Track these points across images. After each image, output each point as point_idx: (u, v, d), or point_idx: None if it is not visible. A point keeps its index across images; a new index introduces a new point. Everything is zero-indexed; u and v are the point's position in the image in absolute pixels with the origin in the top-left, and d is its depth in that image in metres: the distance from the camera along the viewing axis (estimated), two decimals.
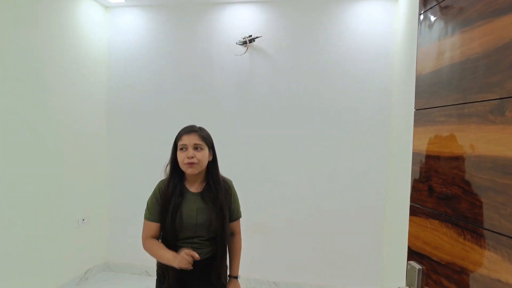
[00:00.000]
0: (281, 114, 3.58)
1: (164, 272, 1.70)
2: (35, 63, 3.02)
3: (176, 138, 1.76)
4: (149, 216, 1.75)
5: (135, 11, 3.82)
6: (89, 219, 3.72)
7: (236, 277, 1.89)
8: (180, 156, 1.70)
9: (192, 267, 1.57)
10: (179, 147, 1.72)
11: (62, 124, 3.34)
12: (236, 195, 1.89)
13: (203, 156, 1.71)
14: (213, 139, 1.84)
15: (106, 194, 3.98)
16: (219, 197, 1.73)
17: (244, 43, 3.55)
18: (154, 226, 1.73)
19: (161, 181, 1.79)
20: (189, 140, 1.70)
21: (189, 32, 3.73)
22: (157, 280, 1.78)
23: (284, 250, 3.58)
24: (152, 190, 1.79)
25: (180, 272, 1.63)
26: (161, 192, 1.74)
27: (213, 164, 1.80)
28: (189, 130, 1.74)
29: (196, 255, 1.56)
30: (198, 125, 1.82)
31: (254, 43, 3.58)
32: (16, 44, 2.82)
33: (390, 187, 3.30)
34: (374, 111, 3.41)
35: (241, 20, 3.63)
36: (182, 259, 1.55)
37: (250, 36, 3.54)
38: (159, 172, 4.24)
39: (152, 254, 1.69)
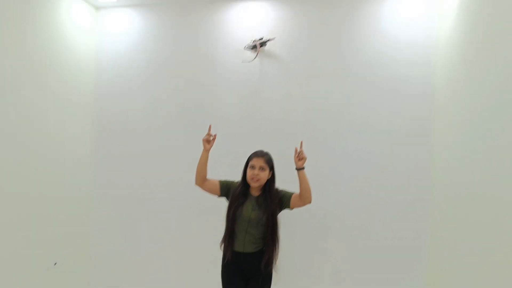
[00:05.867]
0: (296, 129, 3.00)
1: (225, 253, 2.37)
2: (8, 67, 2.48)
3: (248, 158, 2.38)
4: (222, 180, 2.45)
5: (128, 11, 3.32)
6: (63, 263, 3.05)
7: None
8: (249, 172, 2.32)
9: (211, 138, 2.40)
10: (249, 165, 2.34)
11: (37, 142, 2.76)
12: (284, 190, 2.42)
13: (265, 175, 2.33)
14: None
15: (86, 229, 3.36)
16: (271, 206, 2.31)
17: (254, 47, 3.02)
18: (216, 183, 2.43)
19: (236, 182, 2.44)
20: (257, 162, 2.32)
21: (189, 35, 3.21)
22: (222, 259, 2.40)
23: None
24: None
25: (236, 254, 2.33)
26: (234, 187, 2.41)
27: (271, 180, 2.39)
28: (259, 155, 2.36)
29: (210, 130, 2.42)
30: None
31: (265, 47, 3.04)
32: None
33: (436, 219, 2.68)
34: (412, 122, 2.82)
35: (250, 20, 3.10)
36: (203, 139, 2.39)
37: (261, 39, 3.01)
38: (152, 205, 3.40)
39: (198, 164, 2.39)
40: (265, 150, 2.46)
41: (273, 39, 2.99)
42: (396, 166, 2.83)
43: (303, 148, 2.35)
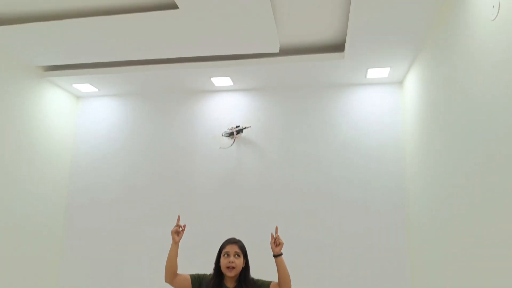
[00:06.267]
0: (273, 213, 2.96)
1: None
2: None
3: (221, 247, 2.26)
4: (193, 274, 2.24)
5: (108, 100, 3.45)
6: None
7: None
8: (223, 261, 2.18)
9: (180, 229, 2.23)
10: (222, 253, 2.21)
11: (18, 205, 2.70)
12: (261, 280, 2.27)
13: (240, 262, 2.20)
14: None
15: None
16: None
17: (231, 134, 3.12)
18: (187, 277, 2.20)
19: (208, 274, 2.27)
20: (231, 248, 2.21)
21: (168, 124, 3.31)
22: None
23: None
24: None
25: None
26: (206, 280, 2.22)
27: (245, 268, 2.25)
28: (232, 241, 2.27)
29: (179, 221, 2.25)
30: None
31: (242, 134, 3.15)
32: None
33: None
34: (386, 204, 2.85)
35: (227, 109, 3.26)
36: (172, 230, 2.22)
37: (238, 126, 3.13)
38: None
39: (167, 258, 2.19)
40: (242, 234, 2.38)
41: (249, 127, 3.12)
42: (374, 248, 2.79)
43: (279, 233, 2.25)
